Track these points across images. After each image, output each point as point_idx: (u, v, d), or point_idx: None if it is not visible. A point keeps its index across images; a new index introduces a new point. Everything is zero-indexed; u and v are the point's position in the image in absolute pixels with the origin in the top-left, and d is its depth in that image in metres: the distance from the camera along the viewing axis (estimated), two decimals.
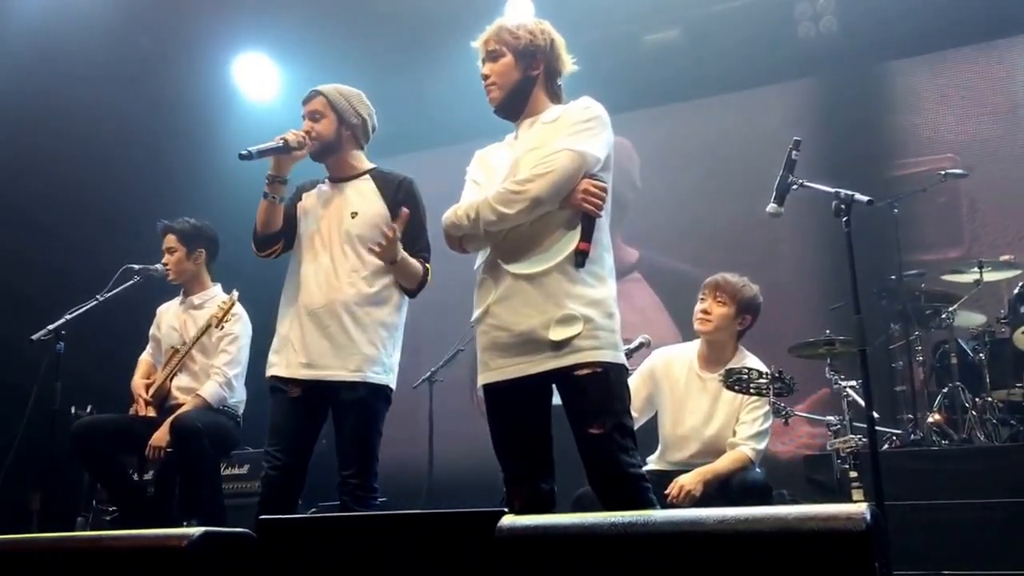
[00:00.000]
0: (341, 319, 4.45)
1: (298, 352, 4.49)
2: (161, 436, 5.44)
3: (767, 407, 4.99)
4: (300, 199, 4.70)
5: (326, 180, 4.72)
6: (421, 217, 4.60)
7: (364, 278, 4.49)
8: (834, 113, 8.46)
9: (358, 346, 4.46)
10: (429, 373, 7.56)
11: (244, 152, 4.27)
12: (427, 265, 4.56)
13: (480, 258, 3.88)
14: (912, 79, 8.40)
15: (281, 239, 4.61)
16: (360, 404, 4.45)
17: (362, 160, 4.74)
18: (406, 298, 4.66)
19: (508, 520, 2.58)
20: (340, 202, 4.60)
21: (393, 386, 4.60)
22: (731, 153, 8.51)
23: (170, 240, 5.93)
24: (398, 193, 4.58)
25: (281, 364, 4.55)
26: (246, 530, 3.32)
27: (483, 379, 3.79)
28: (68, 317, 5.83)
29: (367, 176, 4.67)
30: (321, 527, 3.22)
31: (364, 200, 4.58)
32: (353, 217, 4.53)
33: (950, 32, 8.10)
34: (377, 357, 4.50)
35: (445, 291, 8.37)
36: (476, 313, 3.82)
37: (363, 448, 4.45)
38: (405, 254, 4.42)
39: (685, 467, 5.00)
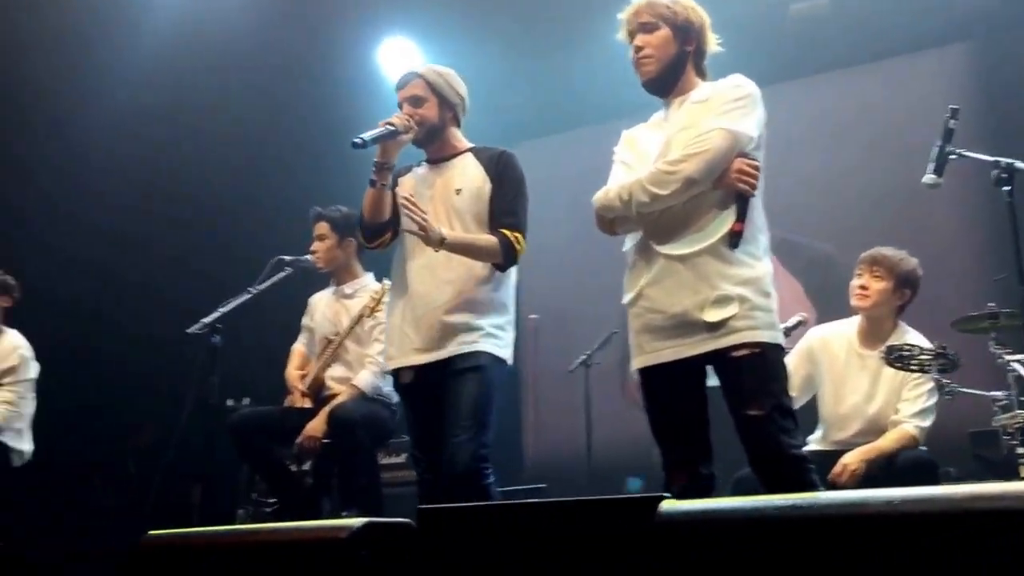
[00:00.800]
0: (456, 299, 4.36)
1: (413, 338, 4.41)
2: (317, 426, 5.48)
3: (931, 384, 4.86)
4: (397, 185, 4.59)
5: (423, 163, 4.65)
6: (516, 190, 4.50)
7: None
8: (992, 79, 8.13)
9: (475, 323, 4.36)
10: (584, 357, 7.51)
11: (357, 140, 4.19)
12: (514, 234, 4.39)
13: (630, 240, 3.85)
14: None
15: (390, 228, 4.53)
16: (476, 370, 4.31)
17: (461, 138, 4.65)
18: (512, 275, 4.56)
19: (668, 505, 2.55)
20: (443, 181, 4.52)
21: (510, 361, 4.50)
22: (882, 124, 8.26)
23: (321, 228, 5.93)
24: (498, 166, 4.48)
25: (399, 355, 4.47)
26: (406, 520, 3.34)
27: (637, 362, 3.76)
28: (222, 310, 5.85)
29: (467, 153, 4.58)
30: (481, 515, 3.22)
31: (467, 176, 4.49)
32: (458, 194, 4.45)
33: None
34: (495, 332, 4.41)
35: (597, 273, 8.38)
36: (628, 296, 3.79)
37: (476, 416, 4.28)
38: (457, 235, 4.33)
39: (847, 446, 4.90)
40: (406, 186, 4.55)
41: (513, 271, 4.56)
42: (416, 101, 4.50)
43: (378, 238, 4.56)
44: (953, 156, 4.42)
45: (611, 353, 7.68)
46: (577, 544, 2.76)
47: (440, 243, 4.25)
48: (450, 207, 4.45)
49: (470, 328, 4.34)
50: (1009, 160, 4.31)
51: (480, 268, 4.40)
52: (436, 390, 4.35)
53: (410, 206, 4.22)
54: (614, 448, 7.97)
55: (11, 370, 6.12)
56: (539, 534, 2.86)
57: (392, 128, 4.32)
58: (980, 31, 8.25)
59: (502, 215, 4.43)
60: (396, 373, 4.55)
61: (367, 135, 4.24)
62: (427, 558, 3.04)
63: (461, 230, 4.40)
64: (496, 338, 4.41)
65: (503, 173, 4.48)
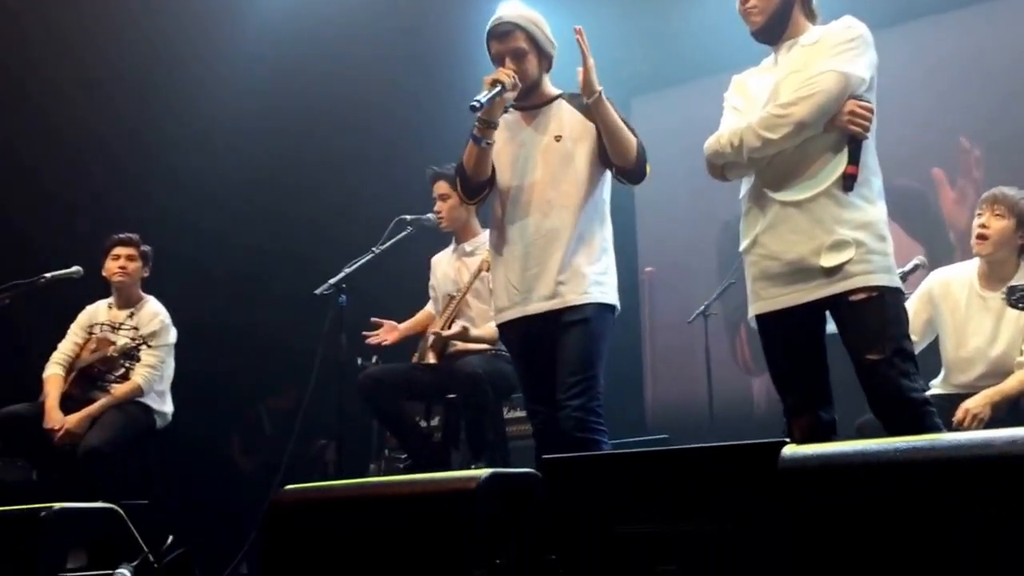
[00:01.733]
0: (559, 246, 4.32)
1: (519, 289, 4.39)
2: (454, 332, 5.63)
3: None
4: None
5: (509, 109, 4.56)
6: (630, 127, 4.40)
7: (576, 202, 4.36)
8: None
9: (581, 271, 4.32)
10: (703, 307, 7.47)
11: (475, 103, 4.16)
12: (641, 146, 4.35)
13: (744, 187, 3.85)
14: None
15: (488, 184, 4.50)
16: (585, 322, 4.29)
17: (550, 85, 4.58)
18: (608, 218, 4.50)
19: (790, 450, 2.58)
20: (539, 128, 4.47)
21: (618, 305, 4.46)
22: (1007, 64, 8.02)
23: (442, 187, 5.95)
24: None
25: (507, 306, 4.45)
26: (531, 470, 3.41)
27: (755, 309, 3.78)
28: (347, 271, 5.99)
29: (559, 99, 4.51)
30: (605, 464, 3.26)
31: (564, 123, 4.44)
32: (558, 140, 4.40)
33: None
34: (600, 279, 4.37)
35: (714, 224, 8.34)
36: (744, 243, 3.81)
37: (587, 371, 4.27)
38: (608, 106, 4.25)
39: (970, 390, 4.84)
40: (497, 135, 4.45)
41: (607, 216, 4.51)
42: (519, 56, 4.40)
43: (479, 194, 4.54)
44: None
45: (741, 317, 7.64)
46: (702, 489, 2.80)
47: (598, 95, 4.20)
48: (550, 153, 4.40)
49: (576, 277, 4.32)
50: None
51: (579, 214, 4.36)
52: (545, 342, 4.35)
53: (583, 40, 4.18)
54: (735, 398, 7.96)
55: (153, 335, 6.28)
56: (663, 481, 2.89)
57: (502, 87, 4.26)
58: None
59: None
60: (503, 326, 4.55)
61: (483, 97, 4.19)
62: (553, 507, 3.09)
63: (562, 176, 4.36)
64: (602, 285, 4.38)
65: None
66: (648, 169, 4.40)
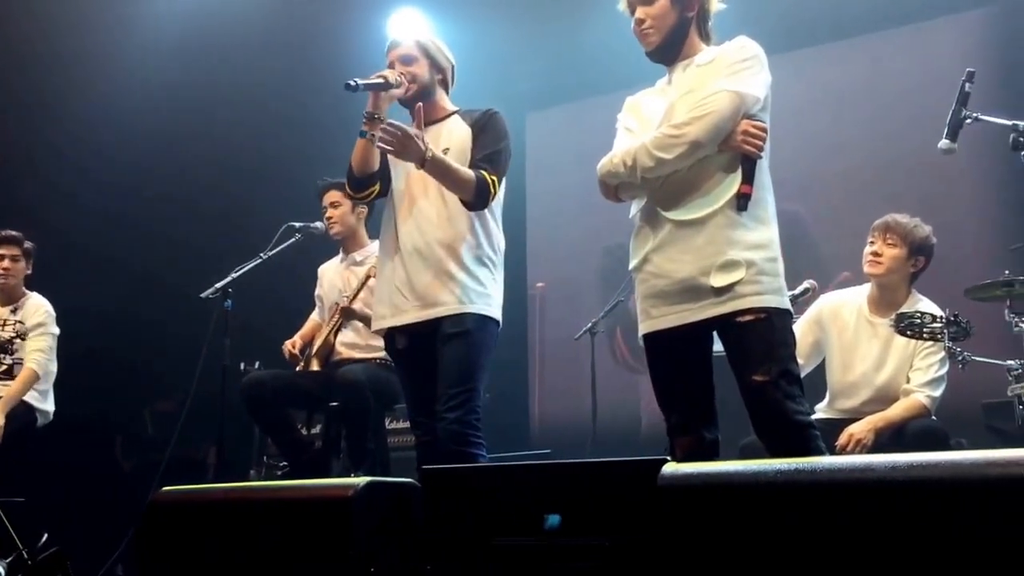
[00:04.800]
0: (446, 256, 4.35)
1: (408, 297, 4.40)
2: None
3: (942, 352, 4.81)
4: None
5: (412, 124, 4.59)
6: (498, 140, 4.50)
7: (464, 213, 4.39)
8: (1013, 44, 7.93)
9: (464, 282, 4.34)
10: (590, 324, 7.50)
11: (351, 82, 4.26)
12: (491, 177, 4.38)
13: (635, 206, 3.82)
14: None
15: (378, 180, 4.55)
16: (466, 334, 4.30)
17: (448, 102, 4.68)
18: (501, 231, 4.56)
19: (670, 468, 2.55)
20: (434, 141, 4.48)
21: (500, 319, 4.48)
22: (894, 93, 8.06)
23: (334, 195, 5.99)
24: (481, 120, 4.52)
25: (391, 315, 4.46)
26: (409, 480, 3.38)
27: (643, 328, 3.74)
28: (234, 275, 6.02)
29: (454, 115, 4.61)
30: (485, 476, 3.24)
31: (453, 136, 4.52)
32: (446, 153, 4.43)
33: None
34: (484, 292, 4.39)
35: (604, 241, 8.35)
36: (634, 262, 3.77)
37: (465, 380, 4.28)
38: (440, 155, 4.30)
39: (855, 415, 4.88)
40: None
41: (499, 229, 4.57)
42: (407, 59, 4.53)
43: (365, 189, 4.57)
44: (969, 120, 4.37)
45: (616, 321, 7.67)
46: (581, 504, 2.77)
47: (422, 162, 4.24)
48: None
49: (458, 287, 4.34)
50: None
51: (466, 225, 4.40)
52: (427, 352, 4.36)
53: (389, 127, 4.21)
54: (621, 415, 7.97)
55: (39, 325, 6.46)
56: (544, 494, 2.87)
57: (384, 80, 4.37)
58: None
59: (481, 160, 4.43)
60: (388, 337, 4.56)
61: (361, 80, 4.29)
62: (431, 517, 3.07)
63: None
64: (485, 297, 4.40)
65: (486, 125, 4.51)
66: (491, 200, 4.43)
